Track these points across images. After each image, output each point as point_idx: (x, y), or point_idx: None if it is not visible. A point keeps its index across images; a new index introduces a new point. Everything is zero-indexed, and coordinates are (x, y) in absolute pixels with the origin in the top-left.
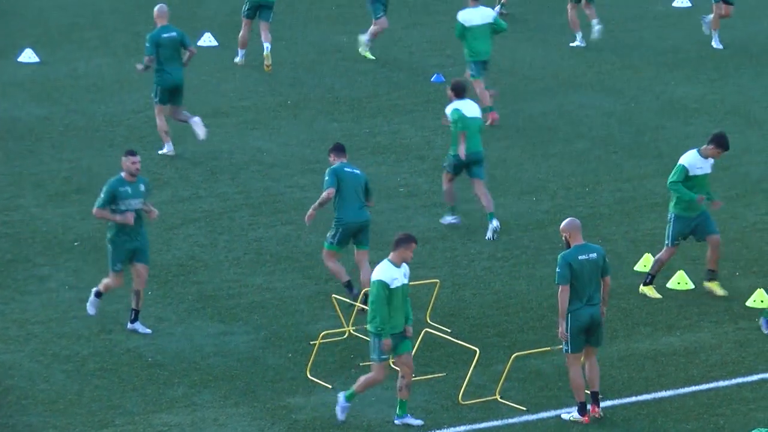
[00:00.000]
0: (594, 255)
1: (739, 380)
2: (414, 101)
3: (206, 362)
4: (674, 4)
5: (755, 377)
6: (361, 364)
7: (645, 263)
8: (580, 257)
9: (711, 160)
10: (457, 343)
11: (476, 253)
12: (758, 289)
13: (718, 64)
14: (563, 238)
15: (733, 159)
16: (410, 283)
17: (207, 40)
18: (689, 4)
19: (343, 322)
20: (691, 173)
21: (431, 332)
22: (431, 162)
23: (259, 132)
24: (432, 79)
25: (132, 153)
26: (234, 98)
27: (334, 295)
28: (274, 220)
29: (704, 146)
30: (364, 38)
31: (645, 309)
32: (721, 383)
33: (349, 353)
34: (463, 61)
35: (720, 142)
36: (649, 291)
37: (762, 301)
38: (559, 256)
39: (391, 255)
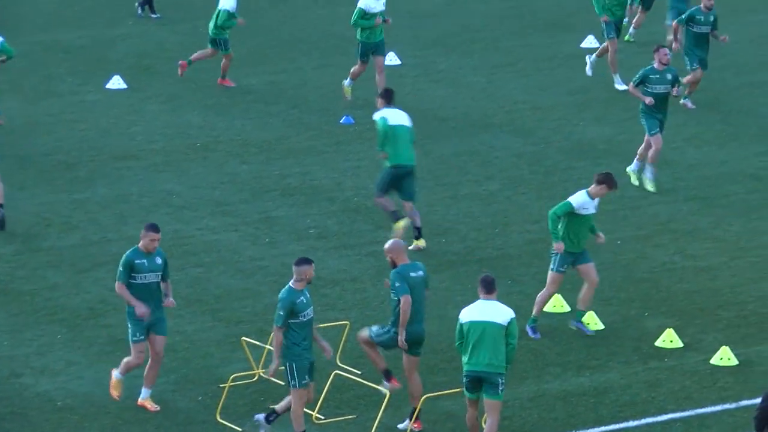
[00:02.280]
0: (421, 273)
1: (649, 420)
2: (324, 143)
3: (117, 406)
4: (582, 45)
5: (665, 417)
6: (270, 406)
7: (555, 304)
8: (411, 274)
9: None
10: (368, 385)
11: (386, 295)
12: (667, 329)
13: (627, 104)
14: (388, 259)
15: (641, 200)
16: (320, 325)
17: (116, 82)
18: (598, 45)
19: (253, 364)
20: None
21: (341, 374)
22: (341, 203)
23: (168, 174)
24: (341, 121)
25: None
26: (143, 141)
27: (243, 338)
28: (184, 262)
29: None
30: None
31: (555, 349)
32: (631, 423)
33: (259, 396)
34: (374, 103)
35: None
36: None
37: (671, 341)
38: (392, 273)
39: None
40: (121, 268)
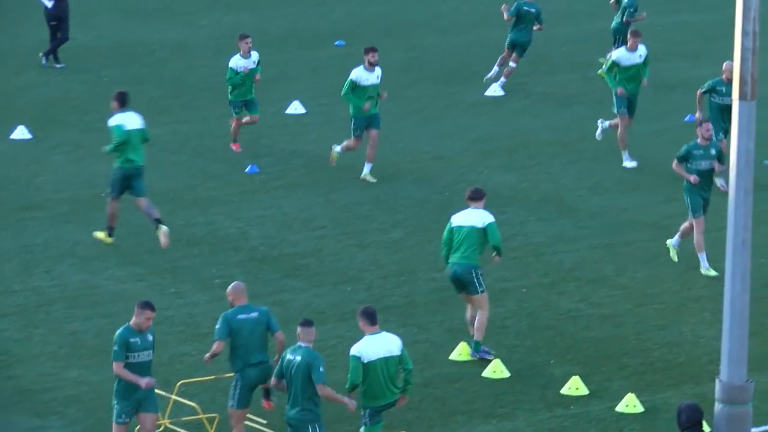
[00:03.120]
0: (254, 314)
1: None
2: (229, 192)
3: None
4: (486, 93)
5: None
6: None
7: (461, 352)
8: (239, 316)
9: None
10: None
11: (289, 343)
12: (573, 377)
13: (531, 152)
14: (229, 301)
15: (546, 247)
16: (225, 375)
17: (21, 132)
18: (502, 93)
19: (159, 415)
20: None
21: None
22: (246, 253)
23: (74, 224)
24: (246, 170)
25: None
26: (49, 191)
27: None
28: (91, 313)
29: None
30: (337, 148)
31: (461, 397)
32: None
33: None
34: (279, 152)
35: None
36: None
37: (577, 389)
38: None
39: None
40: (116, 348)
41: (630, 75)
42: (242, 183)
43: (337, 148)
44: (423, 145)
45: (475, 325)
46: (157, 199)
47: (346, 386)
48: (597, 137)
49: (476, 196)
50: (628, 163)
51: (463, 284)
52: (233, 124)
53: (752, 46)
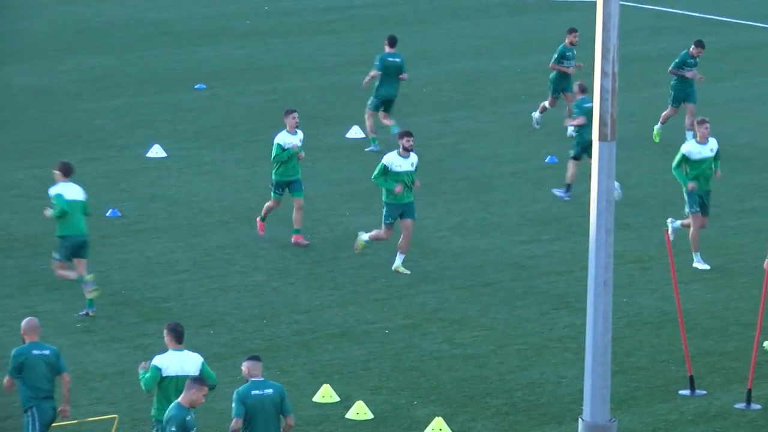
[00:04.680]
0: (47, 351)
1: None
2: (90, 236)
3: None
4: (348, 135)
5: None
6: None
7: (323, 394)
8: (34, 351)
9: None
10: None
11: None
12: (437, 418)
13: None
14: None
15: (409, 288)
16: (89, 419)
17: None
18: (363, 135)
19: None
20: None
21: None
22: (108, 297)
23: None
24: (107, 214)
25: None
26: None
27: None
28: None
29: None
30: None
31: None
32: None
33: None
34: (140, 196)
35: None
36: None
37: (441, 430)
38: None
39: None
40: (174, 429)
41: (701, 170)
42: (103, 227)
43: (365, 237)
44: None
45: None
46: (16, 244)
47: (145, 388)
48: (670, 236)
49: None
50: (699, 265)
51: None
52: (269, 204)
53: (611, 87)
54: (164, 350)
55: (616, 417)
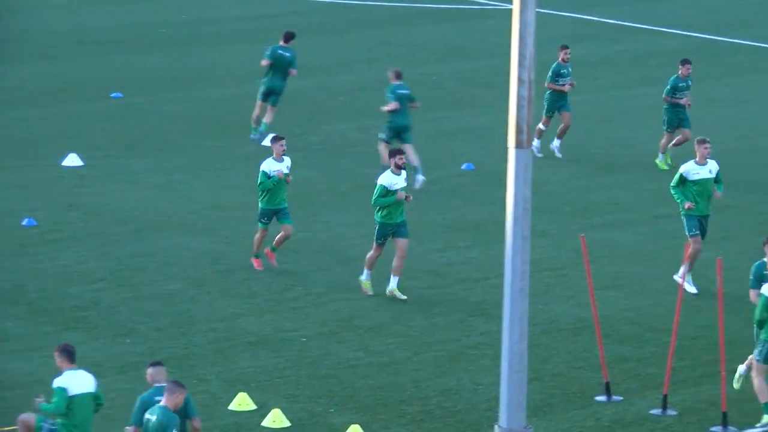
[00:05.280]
0: None
1: None
2: (5, 245)
3: None
4: (264, 143)
5: None
6: None
7: (240, 402)
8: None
9: None
10: None
11: None
12: (353, 425)
13: (307, 201)
14: None
15: (324, 296)
16: (4, 429)
17: None
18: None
19: None
20: None
21: None
22: (24, 306)
23: None
24: (23, 223)
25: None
26: None
27: None
28: None
29: None
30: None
31: None
32: None
33: None
34: (55, 205)
35: None
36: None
37: None
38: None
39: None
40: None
41: (700, 192)
42: (19, 236)
43: (363, 277)
44: (200, 196)
45: None
46: None
47: (57, 412)
48: (690, 289)
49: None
50: (689, 287)
51: None
52: (258, 236)
53: (527, 94)
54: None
55: (532, 424)
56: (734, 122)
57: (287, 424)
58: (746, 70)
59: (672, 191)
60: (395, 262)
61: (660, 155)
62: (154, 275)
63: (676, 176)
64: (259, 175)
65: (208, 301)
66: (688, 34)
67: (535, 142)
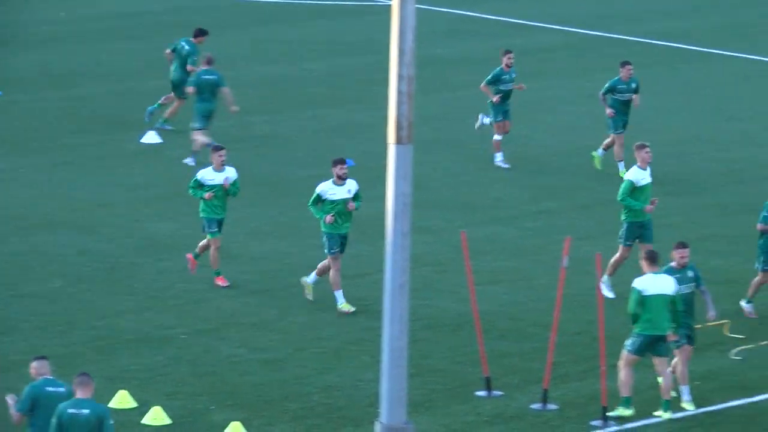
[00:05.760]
0: None
1: None
2: None
3: None
4: (144, 141)
5: None
6: None
7: (120, 400)
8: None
9: None
10: None
11: None
12: (234, 422)
13: (189, 199)
14: None
15: (206, 293)
16: None
17: None
18: (160, 140)
19: None
20: None
21: None
22: None
23: None
24: None
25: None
26: None
27: None
28: None
29: None
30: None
31: None
32: None
33: None
34: None
35: None
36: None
37: None
38: None
39: None
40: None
41: (644, 196)
42: None
43: (308, 279)
44: (83, 194)
45: None
46: None
47: None
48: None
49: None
50: (607, 292)
51: None
52: (212, 249)
53: (407, 90)
54: None
55: (413, 419)
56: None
57: (168, 421)
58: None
59: (624, 203)
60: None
61: (600, 150)
62: (36, 273)
63: (626, 186)
64: (192, 180)
65: (90, 298)
66: (569, 29)
67: (499, 155)
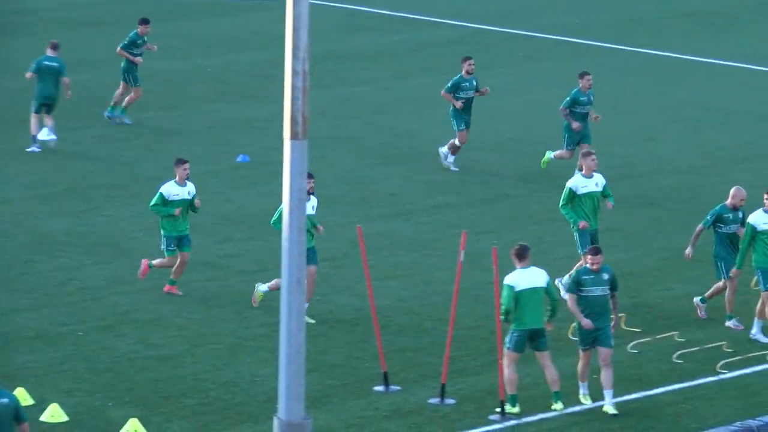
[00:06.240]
0: None
1: None
2: None
3: None
4: (39, 137)
5: None
6: None
7: (53, 414)
8: None
9: None
10: None
11: None
12: (131, 419)
13: (86, 195)
14: None
15: (102, 290)
16: None
17: None
18: (54, 137)
19: None
20: None
21: None
22: None
23: None
24: None
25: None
26: None
27: None
28: None
29: None
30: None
31: None
32: None
33: None
34: None
35: None
36: None
37: (136, 431)
38: None
39: None
40: None
41: (588, 206)
42: None
43: (264, 288)
44: None
45: None
46: None
47: None
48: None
49: None
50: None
51: None
52: (164, 263)
53: (302, 85)
54: None
55: (311, 415)
56: (510, 111)
57: (65, 418)
58: (520, 60)
59: (562, 210)
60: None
61: (549, 153)
62: None
63: (565, 193)
64: (156, 196)
65: None
66: (462, 24)
67: (450, 158)
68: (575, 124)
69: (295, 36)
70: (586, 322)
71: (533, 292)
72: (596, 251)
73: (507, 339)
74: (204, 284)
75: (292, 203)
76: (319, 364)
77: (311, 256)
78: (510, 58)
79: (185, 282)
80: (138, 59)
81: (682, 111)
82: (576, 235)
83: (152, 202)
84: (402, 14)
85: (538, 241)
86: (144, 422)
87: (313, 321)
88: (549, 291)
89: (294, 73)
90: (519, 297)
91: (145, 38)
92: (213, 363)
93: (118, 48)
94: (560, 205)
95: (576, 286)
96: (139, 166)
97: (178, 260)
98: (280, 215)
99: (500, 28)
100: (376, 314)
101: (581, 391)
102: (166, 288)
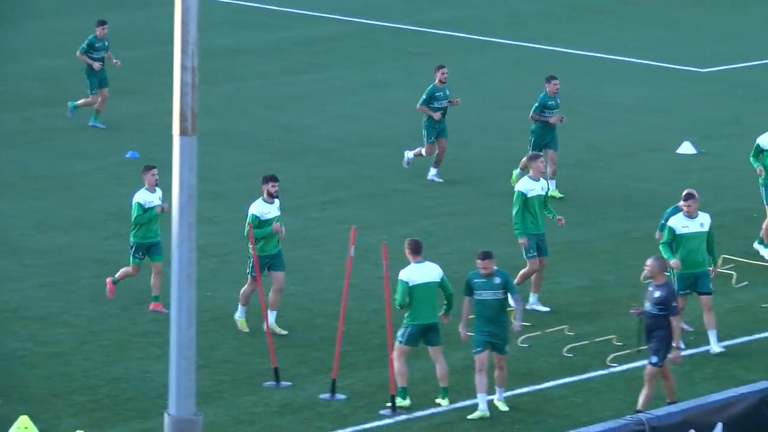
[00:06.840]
0: None
1: None
2: None
3: None
4: None
5: None
6: None
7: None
8: None
9: None
10: None
11: None
12: (22, 416)
13: None
14: None
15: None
16: None
17: None
18: None
19: None
20: None
21: None
22: None
23: None
24: None
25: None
26: None
27: None
28: None
29: None
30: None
31: None
32: None
33: None
34: None
35: None
36: None
37: (26, 428)
38: None
39: None
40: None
41: (535, 207)
42: None
43: (238, 314)
44: None
45: None
46: None
47: None
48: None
49: None
50: (538, 306)
51: None
52: (128, 271)
53: (191, 81)
54: None
55: (201, 410)
56: (398, 106)
57: None
58: (408, 55)
59: (515, 219)
60: (272, 296)
61: (517, 170)
62: None
63: (515, 196)
64: (134, 207)
65: None
66: (351, 19)
67: (408, 156)
68: (554, 118)
69: (183, 31)
70: (463, 332)
71: (427, 287)
72: (484, 256)
73: (400, 333)
74: (93, 281)
75: (181, 199)
76: (209, 360)
77: (278, 261)
78: (398, 53)
79: (72, 279)
80: (97, 64)
81: (568, 105)
82: (525, 238)
83: (134, 215)
84: (290, 10)
85: (428, 236)
86: (34, 419)
87: (285, 332)
88: (444, 285)
89: (183, 68)
90: (413, 292)
91: (106, 42)
92: (102, 360)
93: (78, 52)
94: (514, 213)
95: (468, 288)
96: (28, 162)
97: (153, 271)
98: (253, 222)
99: (388, 23)
100: (266, 309)
101: (497, 396)
102: (152, 306)
